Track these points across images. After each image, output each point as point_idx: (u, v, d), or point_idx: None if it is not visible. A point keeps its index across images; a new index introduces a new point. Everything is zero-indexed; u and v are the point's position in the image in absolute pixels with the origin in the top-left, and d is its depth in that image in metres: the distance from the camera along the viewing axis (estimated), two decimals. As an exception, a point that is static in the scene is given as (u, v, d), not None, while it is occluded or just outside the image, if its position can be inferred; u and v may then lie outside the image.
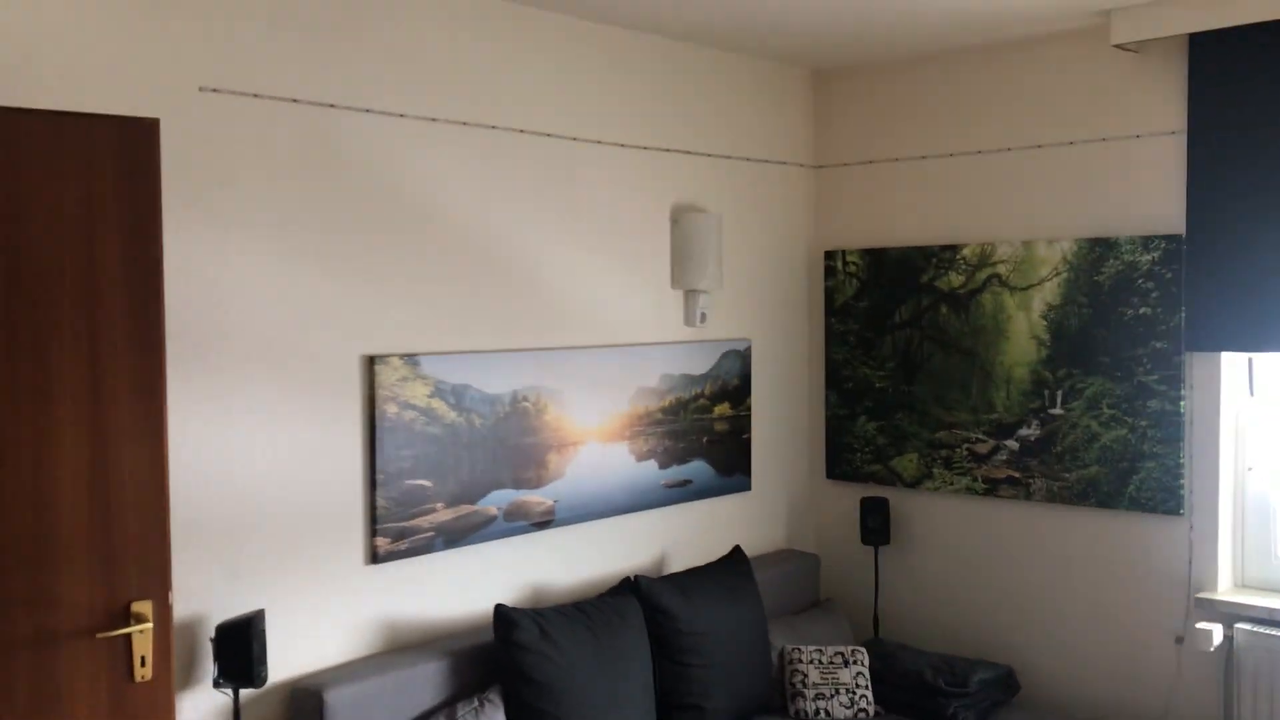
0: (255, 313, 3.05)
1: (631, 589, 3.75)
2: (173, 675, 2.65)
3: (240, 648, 2.86)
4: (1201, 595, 3.77)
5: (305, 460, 3.17)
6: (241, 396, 3.03)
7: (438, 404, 3.45)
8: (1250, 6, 3.47)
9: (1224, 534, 3.80)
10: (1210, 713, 3.78)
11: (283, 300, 3.11)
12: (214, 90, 2.95)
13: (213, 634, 2.90)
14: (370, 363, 3.29)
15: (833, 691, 3.93)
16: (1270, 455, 3.78)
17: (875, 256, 4.57)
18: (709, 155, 4.34)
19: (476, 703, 3.27)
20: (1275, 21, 3.47)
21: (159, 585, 2.61)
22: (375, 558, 3.31)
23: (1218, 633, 3.68)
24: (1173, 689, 3.87)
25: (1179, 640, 3.85)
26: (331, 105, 3.19)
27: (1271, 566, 3.78)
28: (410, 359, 3.38)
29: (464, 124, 3.52)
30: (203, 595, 2.96)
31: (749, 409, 4.53)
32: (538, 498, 3.76)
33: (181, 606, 2.89)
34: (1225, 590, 3.80)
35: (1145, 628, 3.93)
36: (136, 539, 2.57)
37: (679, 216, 4.20)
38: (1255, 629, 3.63)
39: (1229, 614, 3.72)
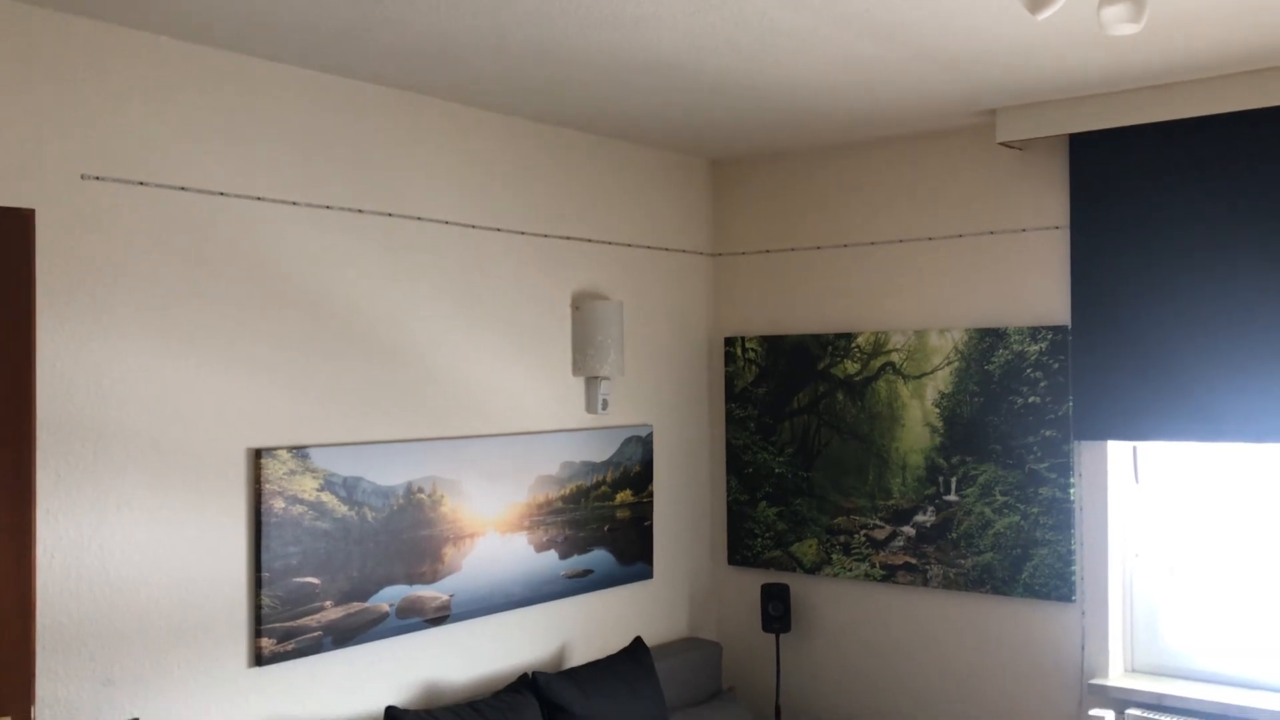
0: (136, 405, 2.94)
1: (529, 686, 3.66)
2: (33, 797, 2.50)
3: (110, 762, 2.70)
4: (1094, 681, 3.82)
5: (186, 559, 3.04)
6: (119, 493, 2.90)
7: (328, 497, 3.36)
8: (1126, 109, 3.62)
9: (1114, 620, 3.87)
10: (1105, 799, 3.81)
11: (166, 392, 3.00)
12: (96, 178, 2.87)
13: (80, 748, 2.74)
14: (256, 456, 3.19)
15: (734, 786, 3.87)
16: (1154, 542, 3.87)
17: (773, 343, 4.61)
18: (610, 243, 4.35)
19: (365, 811, 3.14)
20: (1150, 125, 3.63)
21: (21, 699, 2.47)
22: (260, 660, 3.18)
23: (1111, 719, 3.72)
24: (1069, 775, 3.90)
25: (1074, 727, 3.89)
26: (221, 193, 3.13)
27: (1161, 651, 3.85)
28: (299, 451, 3.29)
29: (359, 211, 3.48)
30: (72, 705, 2.80)
31: (651, 495, 4.50)
32: (432, 593, 3.66)
33: (48, 718, 2.73)
34: (1117, 676, 3.85)
35: (1041, 714, 3.96)
36: (-3, 651, 2.43)
37: (580, 303, 4.20)
38: (1146, 714, 3.68)
39: (1120, 699, 3.77)
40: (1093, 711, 3.75)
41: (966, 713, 4.13)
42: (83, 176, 2.84)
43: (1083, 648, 3.88)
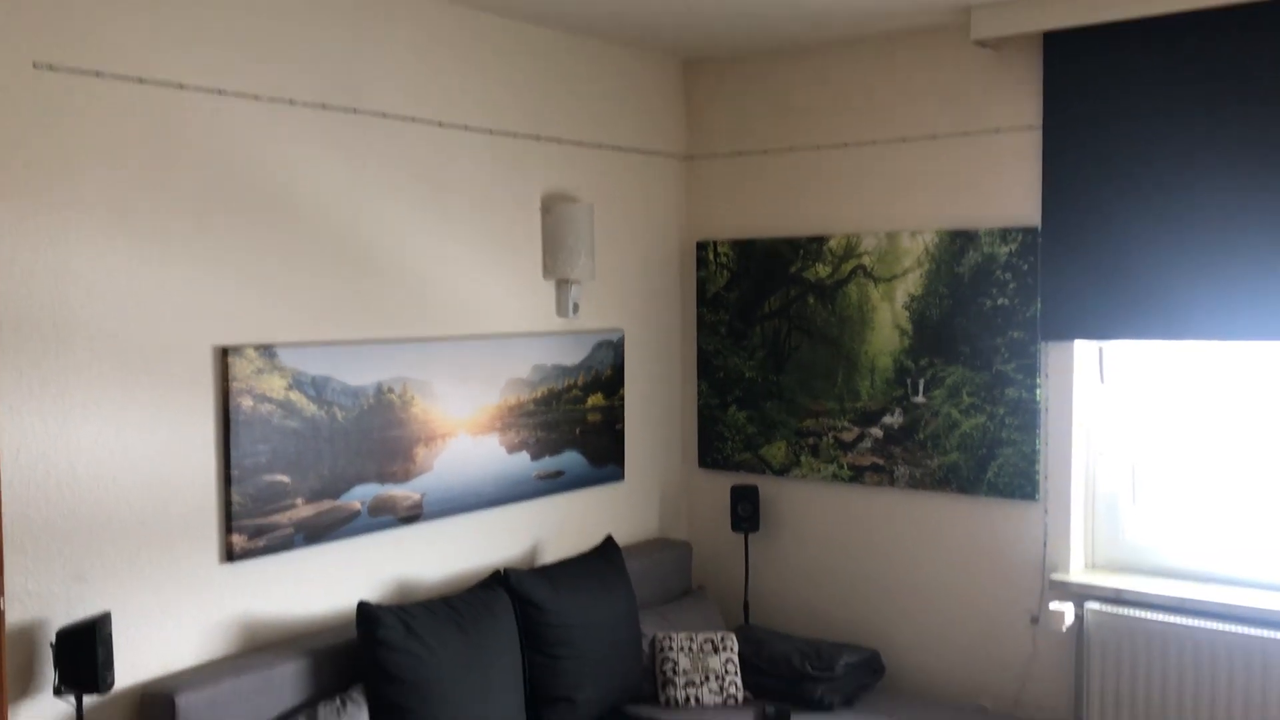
0: (99, 303, 2.91)
1: (501, 582, 3.71)
2: (4, 683, 2.51)
3: (84, 653, 2.72)
4: (1055, 577, 3.90)
5: (154, 456, 3.04)
6: (83, 391, 2.88)
7: (297, 396, 3.35)
8: (1103, 6, 3.58)
9: (1076, 518, 3.94)
10: (1063, 686, 3.92)
11: (129, 290, 2.97)
12: (50, 68, 2.79)
13: (53, 639, 2.76)
14: (224, 354, 3.17)
15: (703, 678, 3.95)
16: (1117, 441, 3.93)
17: (745, 248, 4.60)
18: (580, 144, 4.30)
19: (339, 702, 3.19)
20: (1126, 21, 3.60)
21: (-10, 591, 2.47)
22: (231, 556, 3.20)
23: (1069, 612, 3.81)
24: (1028, 666, 4.00)
25: (1034, 620, 3.98)
26: (180, 85, 3.06)
27: (1121, 547, 3.93)
28: (266, 350, 3.27)
29: (323, 106, 3.42)
30: (42, 598, 2.81)
31: (622, 399, 4.52)
32: (404, 492, 3.68)
33: (19, 611, 2.76)
34: (1077, 572, 3.94)
35: (1003, 609, 4.06)
36: (-36, 542, 2.43)
37: (550, 205, 4.16)
38: (1104, 608, 3.77)
39: (1080, 594, 3.86)
40: (1053, 605, 3.84)
41: (930, 608, 4.22)
42: (35, 65, 2.77)
43: (1045, 544, 3.96)
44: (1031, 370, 3.94)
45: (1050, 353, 3.93)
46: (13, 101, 2.72)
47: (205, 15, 3.11)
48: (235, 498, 3.20)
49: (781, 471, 4.55)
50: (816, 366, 4.44)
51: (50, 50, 2.79)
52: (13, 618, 2.73)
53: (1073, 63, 3.77)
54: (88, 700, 2.84)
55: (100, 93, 2.89)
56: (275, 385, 3.29)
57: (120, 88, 2.93)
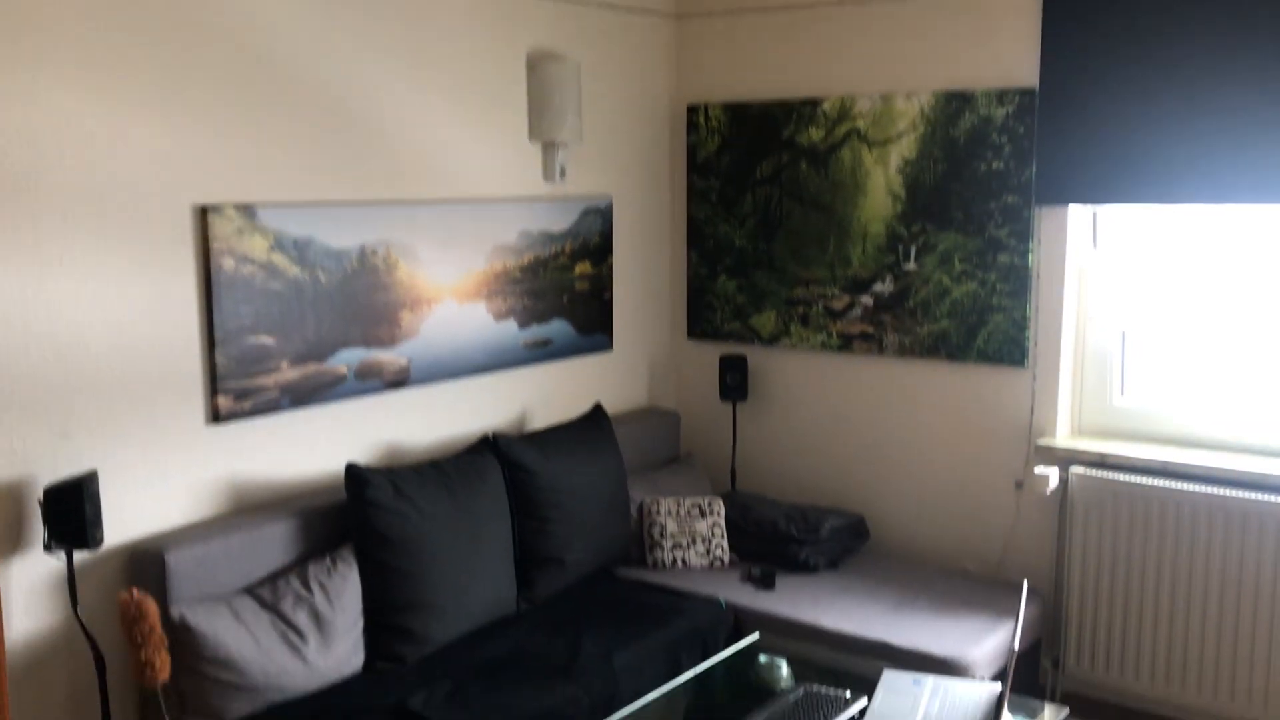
0: (74, 159, 2.83)
1: (490, 447, 3.71)
2: (-6, 538, 2.52)
3: (72, 510, 2.73)
4: (1041, 442, 3.92)
5: (137, 316, 3.00)
6: (61, 248, 2.82)
7: (279, 258, 3.30)
8: None
9: (1064, 383, 3.94)
10: (1045, 549, 3.98)
11: (104, 149, 2.88)
12: (9, -93, 2.67)
13: (40, 496, 2.76)
14: (203, 213, 3.11)
15: (689, 541, 4.00)
16: (1108, 307, 3.91)
17: (737, 111, 4.50)
18: (568, 0, 4.16)
19: (329, 561, 3.22)
20: None
21: (-27, 445, 2.46)
22: (217, 417, 3.19)
23: (1054, 476, 3.85)
24: (1012, 530, 4.05)
25: (1019, 485, 4.02)
26: (148, -71, 2.93)
27: (1107, 413, 3.95)
28: (247, 210, 3.20)
29: (299, -43, 3.29)
30: (28, 457, 2.80)
31: (610, 267, 4.47)
32: (391, 356, 3.66)
33: (4, 468, 2.75)
34: (1063, 437, 3.96)
35: (988, 475, 4.09)
36: (-56, 396, 2.40)
37: (536, 64, 4.04)
38: (1088, 472, 3.80)
39: (1065, 459, 3.88)
40: (1037, 470, 3.87)
41: (917, 476, 4.25)
42: (-6, -96, 2.64)
43: (1032, 410, 3.97)
44: (1025, 235, 3.90)
45: (1044, 217, 3.88)
46: (-29, -58, 2.60)
47: None
48: (220, 359, 3.17)
49: (770, 341, 4.54)
50: (808, 234, 4.38)
51: (8, -112, 2.66)
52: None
53: (1077, -85, 3.63)
54: (78, 556, 2.86)
55: (63, -65, 2.77)
56: (257, 246, 3.24)
57: (84, -70, 2.80)
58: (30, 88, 2.73)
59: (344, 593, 3.16)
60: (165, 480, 3.10)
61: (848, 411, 4.40)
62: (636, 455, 4.37)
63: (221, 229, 3.14)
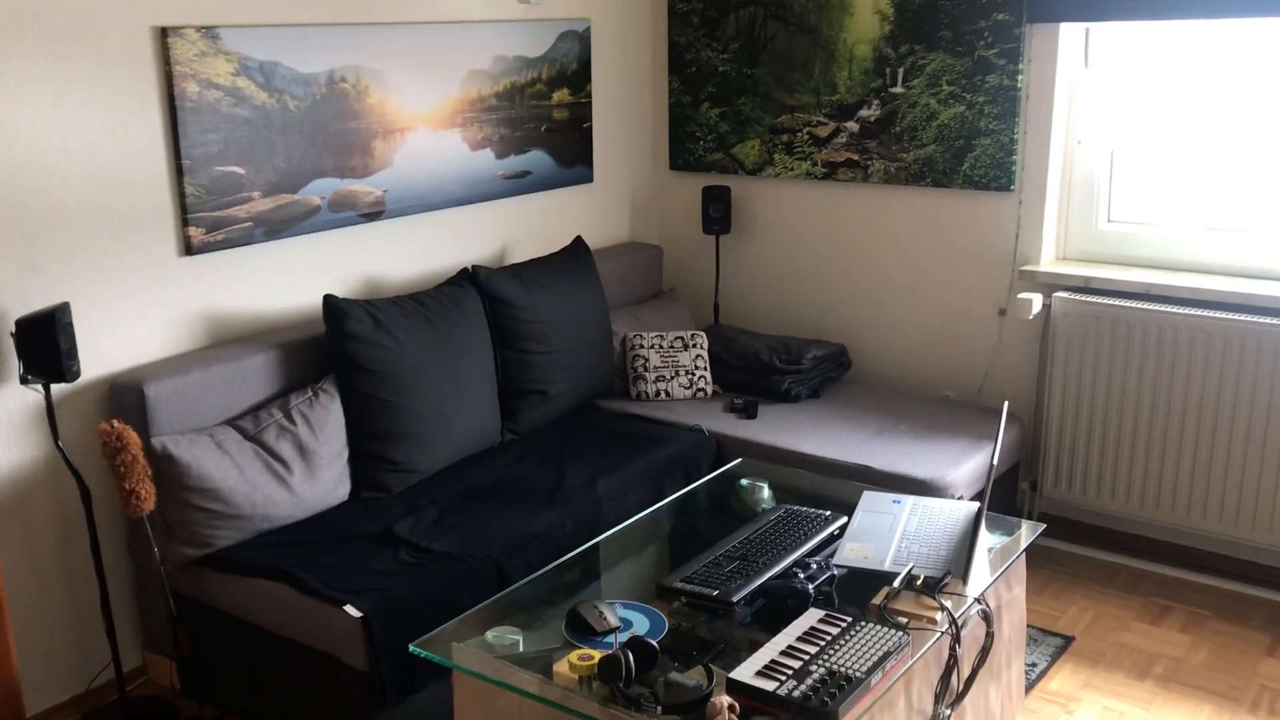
0: (18, -27, 2.69)
1: (470, 279, 3.67)
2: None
3: (45, 342, 2.69)
4: (1025, 268, 3.90)
5: (99, 144, 2.90)
6: (14, 71, 2.71)
7: (244, 83, 3.18)
8: None
9: (1050, 208, 3.89)
10: (1026, 374, 4.00)
11: (49, -41, 2.74)
12: None
13: (12, 328, 2.71)
14: (163, 34, 2.97)
15: (673, 374, 4.01)
16: (1098, 128, 3.83)
17: (719, -72, 4.30)
18: None
19: (310, 393, 3.21)
20: None
21: (-63, 274, 2.40)
22: (189, 249, 3.12)
23: (1037, 302, 3.83)
24: (993, 357, 4.06)
25: (1001, 312, 4.01)
26: None
27: (1093, 238, 3.91)
28: (208, 31, 3.07)
29: None
30: (-4, 289, 2.75)
31: (589, 96, 4.34)
32: (365, 187, 3.57)
33: (-28, 301, 2.70)
34: (1048, 262, 3.93)
35: (971, 302, 4.08)
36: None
37: (506, -122, 3.84)
38: (1071, 296, 3.79)
39: (1049, 284, 3.87)
40: (1021, 295, 3.85)
41: (900, 304, 4.24)
42: None
43: (1017, 236, 3.93)
44: (1014, 55, 3.78)
45: (1035, 35, 3.76)
46: None
47: None
48: (189, 189, 3.09)
49: (754, 171, 4.45)
50: (793, 58, 4.25)
51: None
52: (-33, 306, 2.68)
53: None
54: (56, 390, 2.84)
55: None
56: (221, 70, 3.11)
57: None
58: (-33, -104, 2.57)
59: (327, 424, 3.16)
60: (140, 314, 3.06)
61: (832, 242, 4.35)
62: (619, 290, 4.34)
63: (183, 51, 3.01)
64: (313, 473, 3.10)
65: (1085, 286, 3.78)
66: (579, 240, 4.08)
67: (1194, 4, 3.42)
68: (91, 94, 2.87)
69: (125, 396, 2.93)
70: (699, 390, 4.02)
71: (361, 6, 3.48)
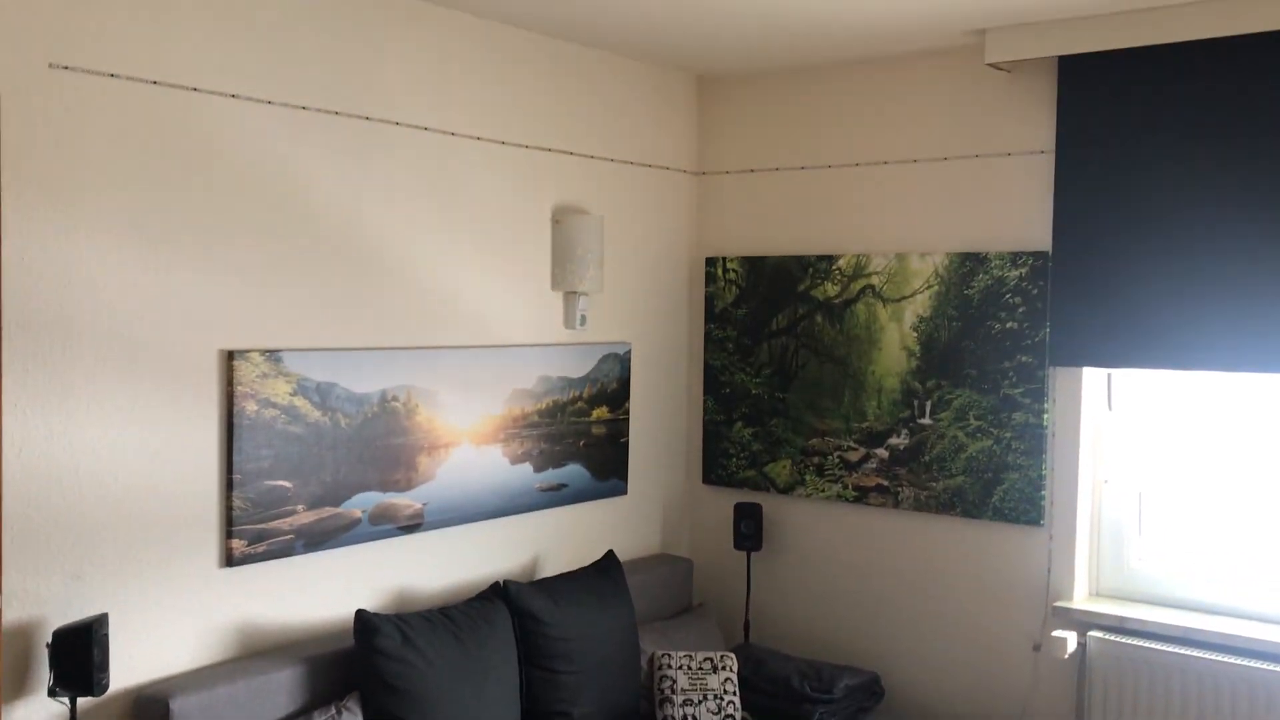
0: (105, 303, 2.91)
1: (500, 594, 3.69)
2: None
3: (79, 654, 2.71)
4: (1058, 604, 3.87)
5: (157, 458, 3.03)
6: (88, 390, 2.88)
7: (301, 402, 3.35)
8: (1117, 32, 3.57)
9: (1081, 545, 3.91)
10: (1064, 715, 3.89)
11: (135, 291, 2.97)
12: (65, 68, 2.80)
13: (49, 639, 2.75)
14: (229, 358, 3.17)
15: (701, 697, 3.93)
16: (1124, 468, 3.90)
17: (754, 264, 4.59)
18: (591, 157, 4.30)
19: (334, 710, 3.17)
20: (1140, 48, 3.59)
21: (-12, 589, 2.47)
22: (230, 560, 3.19)
23: (1072, 640, 3.78)
24: (1029, 695, 3.96)
25: (1036, 647, 3.95)
26: (194, 89, 3.06)
27: (1125, 576, 3.90)
28: (272, 355, 3.26)
29: (336, 113, 3.42)
30: (40, 598, 2.80)
31: (627, 413, 4.50)
32: (406, 500, 3.67)
33: (15, 610, 2.75)
34: (1081, 599, 3.91)
35: (1005, 635, 4.03)
36: (-37, 540, 2.42)
37: (560, 217, 4.16)
38: (1107, 636, 3.74)
39: (1083, 622, 3.83)
40: (1055, 633, 3.81)
41: (933, 632, 4.19)
42: (51, 66, 2.78)
43: (1049, 571, 3.93)
44: (1039, 395, 3.92)
45: (1058, 378, 3.91)
46: (28, 101, 2.73)
47: (220, 19, 3.12)
48: (236, 502, 3.19)
49: (786, 490, 4.53)
50: (823, 385, 4.42)
51: (66, 51, 2.80)
52: (10, 616, 2.72)
53: (1087, 87, 3.76)
54: (82, 702, 2.83)
55: (114, 94, 2.90)
56: (280, 390, 3.29)
57: (134, 89, 2.94)
58: (70, 231, 2.83)
59: (347, 744, 3.11)
60: (175, 624, 3.08)
61: (863, 565, 4.36)
62: (648, 604, 4.33)
63: (246, 373, 3.20)
64: (328, 798, 3.01)
65: (1120, 626, 3.74)
66: (610, 555, 4.12)
67: (1209, 357, 3.56)
68: (158, 411, 3.02)
69: (149, 710, 2.91)
70: (728, 716, 3.92)
71: (418, 331, 3.70)
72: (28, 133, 2.73)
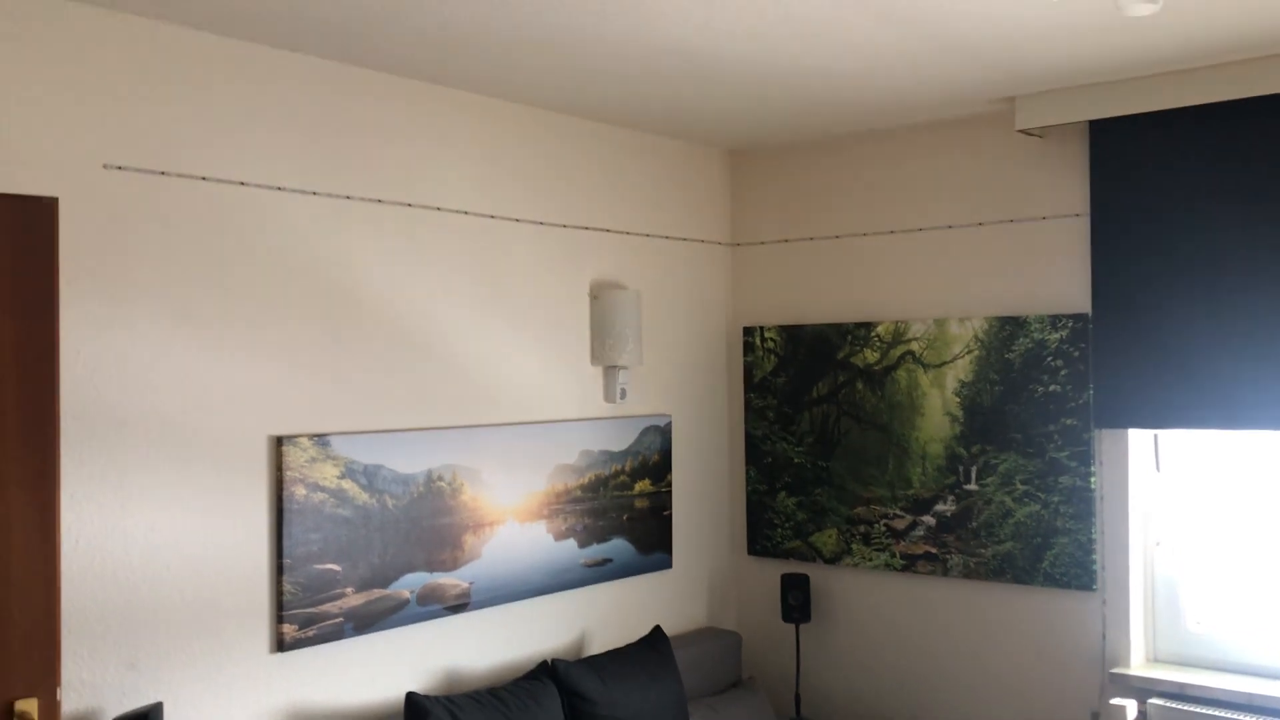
0: (158, 393, 2.97)
1: (549, 673, 3.67)
2: (58, 777, 2.53)
3: (134, 745, 2.73)
4: (1116, 671, 3.80)
5: (208, 545, 3.07)
6: (141, 480, 2.93)
7: (349, 485, 3.38)
8: (1147, 95, 3.60)
9: (1135, 609, 3.84)
10: (1127, 789, 3.79)
11: (187, 380, 3.03)
12: (118, 168, 2.90)
13: (105, 731, 2.77)
14: (278, 443, 3.22)
15: (753, 774, 3.87)
16: (1175, 531, 3.85)
17: (792, 333, 4.61)
18: (627, 233, 4.36)
19: (385, 796, 3.16)
20: (1170, 110, 3.60)
21: (46, 682, 2.50)
22: (281, 645, 3.21)
23: (1132, 709, 3.70)
24: (1090, 765, 3.88)
25: (1095, 716, 3.86)
26: (241, 183, 3.15)
27: (1182, 640, 3.83)
28: (320, 439, 3.31)
29: (379, 201, 3.50)
30: (97, 688, 2.83)
31: (669, 485, 4.51)
32: (453, 580, 3.68)
33: (74, 701, 2.77)
34: (1139, 665, 3.83)
35: (1061, 704, 3.95)
36: (23, 635, 2.46)
37: (598, 293, 4.21)
38: (1168, 704, 3.66)
39: (1143, 689, 3.75)
40: (1114, 701, 3.73)
41: (987, 702, 4.12)
42: (105, 166, 2.87)
43: (1104, 637, 3.86)
44: (1086, 458, 3.88)
45: (1104, 440, 3.88)
46: (83, 200, 2.82)
47: (264, 116, 3.22)
48: (287, 587, 3.21)
49: (832, 560, 4.50)
50: (867, 453, 4.41)
51: (118, 151, 2.90)
52: (68, 708, 2.74)
53: (1120, 150, 3.78)
54: (135, 792, 2.84)
55: (164, 190, 2.99)
56: (328, 474, 3.33)
57: (184, 186, 3.03)
58: (125, 324, 2.90)
59: (400, 830, 3.09)
60: (227, 710, 3.10)
61: (914, 634, 4.31)
62: (697, 678, 4.29)
63: (295, 458, 3.24)
64: None
65: (1181, 694, 3.66)
66: (658, 630, 4.09)
67: (1256, 416, 3.52)
68: (208, 498, 3.07)
69: (203, 800, 2.92)
70: (780, 793, 3.86)
71: (462, 411, 3.74)
72: (84, 231, 2.82)
